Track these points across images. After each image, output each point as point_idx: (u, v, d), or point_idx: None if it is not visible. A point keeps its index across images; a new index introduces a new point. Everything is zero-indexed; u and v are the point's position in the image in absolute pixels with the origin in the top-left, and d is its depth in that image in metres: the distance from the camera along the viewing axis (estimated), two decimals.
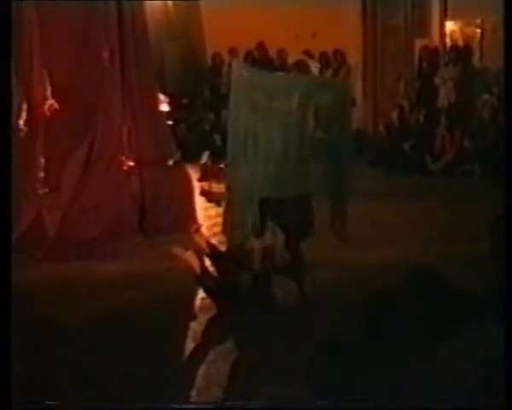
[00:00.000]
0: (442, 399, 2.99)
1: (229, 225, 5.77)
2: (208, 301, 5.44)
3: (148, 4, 8.59)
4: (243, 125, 5.65)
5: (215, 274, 5.49)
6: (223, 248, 5.80)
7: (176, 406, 3.79)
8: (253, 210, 5.61)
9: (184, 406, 3.89)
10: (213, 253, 5.60)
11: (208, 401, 3.99)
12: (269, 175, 5.64)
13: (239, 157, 5.69)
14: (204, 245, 5.64)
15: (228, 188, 5.88)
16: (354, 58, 12.62)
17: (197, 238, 5.73)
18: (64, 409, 3.69)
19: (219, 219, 6.35)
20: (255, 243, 5.48)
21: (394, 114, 12.19)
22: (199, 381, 4.28)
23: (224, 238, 6.00)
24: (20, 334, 3.86)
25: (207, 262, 5.54)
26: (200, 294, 5.55)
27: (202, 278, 5.44)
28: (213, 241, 6.12)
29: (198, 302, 5.50)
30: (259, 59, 12.33)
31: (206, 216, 7.95)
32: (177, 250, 5.49)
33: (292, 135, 5.65)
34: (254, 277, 5.33)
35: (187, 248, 5.46)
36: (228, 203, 5.82)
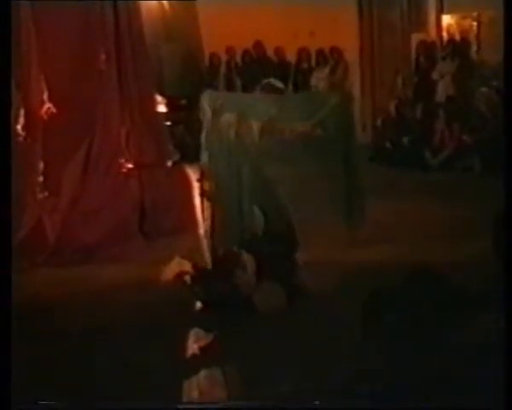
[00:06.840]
0: (442, 399, 3.00)
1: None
2: None
3: (144, 7, 8.57)
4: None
5: (207, 287, 5.52)
6: (208, 264, 5.80)
7: (177, 406, 3.78)
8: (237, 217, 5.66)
9: (186, 406, 3.88)
10: (200, 274, 5.64)
11: (210, 402, 3.99)
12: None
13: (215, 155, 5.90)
14: (191, 270, 5.66)
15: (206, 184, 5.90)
16: (351, 55, 12.59)
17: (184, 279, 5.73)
18: (64, 409, 3.70)
19: None
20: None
21: (392, 110, 12.16)
22: (200, 382, 4.28)
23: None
24: (21, 339, 3.86)
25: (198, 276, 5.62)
26: None
27: (195, 290, 5.51)
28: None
29: (199, 304, 5.50)
30: (257, 57, 12.31)
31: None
32: (167, 274, 5.56)
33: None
34: (241, 287, 5.42)
35: (176, 273, 5.56)
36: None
